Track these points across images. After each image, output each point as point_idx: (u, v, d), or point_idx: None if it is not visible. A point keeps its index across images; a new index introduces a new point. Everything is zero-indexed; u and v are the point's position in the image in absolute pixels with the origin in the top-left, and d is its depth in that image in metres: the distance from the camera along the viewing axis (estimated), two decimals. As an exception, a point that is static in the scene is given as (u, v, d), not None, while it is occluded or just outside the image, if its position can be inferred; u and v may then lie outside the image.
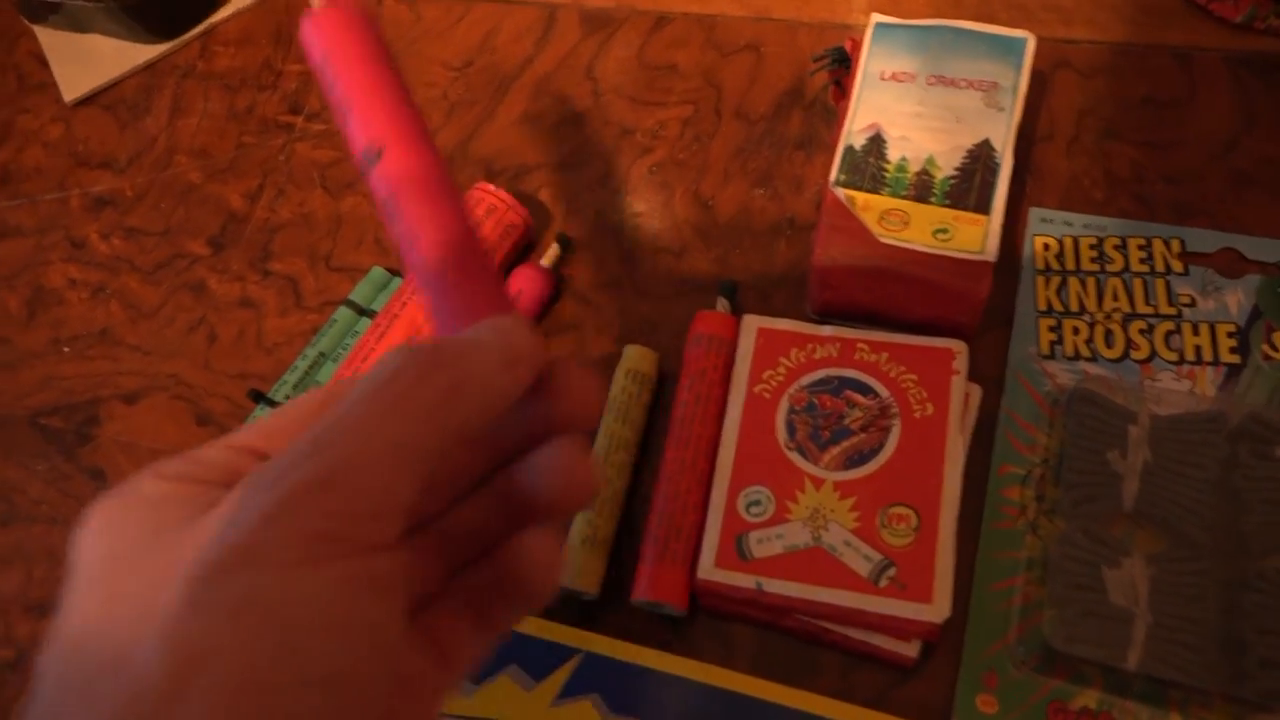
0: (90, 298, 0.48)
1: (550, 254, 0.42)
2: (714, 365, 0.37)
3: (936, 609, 0.32)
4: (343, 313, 0.43)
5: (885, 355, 0.36)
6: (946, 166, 0.37)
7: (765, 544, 0.34)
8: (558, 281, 0.43)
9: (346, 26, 0.24)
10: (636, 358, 0.39)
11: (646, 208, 0.44)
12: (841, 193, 0.37)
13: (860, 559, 0.33)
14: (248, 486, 0.18)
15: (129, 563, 0.19)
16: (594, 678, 0.34)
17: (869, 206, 0.36)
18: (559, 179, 0.46)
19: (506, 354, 0.20)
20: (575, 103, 0.48)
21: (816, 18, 0.47)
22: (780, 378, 0.37)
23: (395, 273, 0.44)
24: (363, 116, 0.23)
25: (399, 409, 0.19)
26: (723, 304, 0.40)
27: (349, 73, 0.23)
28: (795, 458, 0.35)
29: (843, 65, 0.41)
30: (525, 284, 0.41)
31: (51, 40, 0.55)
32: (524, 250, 0.44)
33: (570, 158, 0.46)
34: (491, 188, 0.42)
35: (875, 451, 0.35)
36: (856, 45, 0.40)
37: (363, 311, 0.43)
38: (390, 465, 0.18)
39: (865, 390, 0.36)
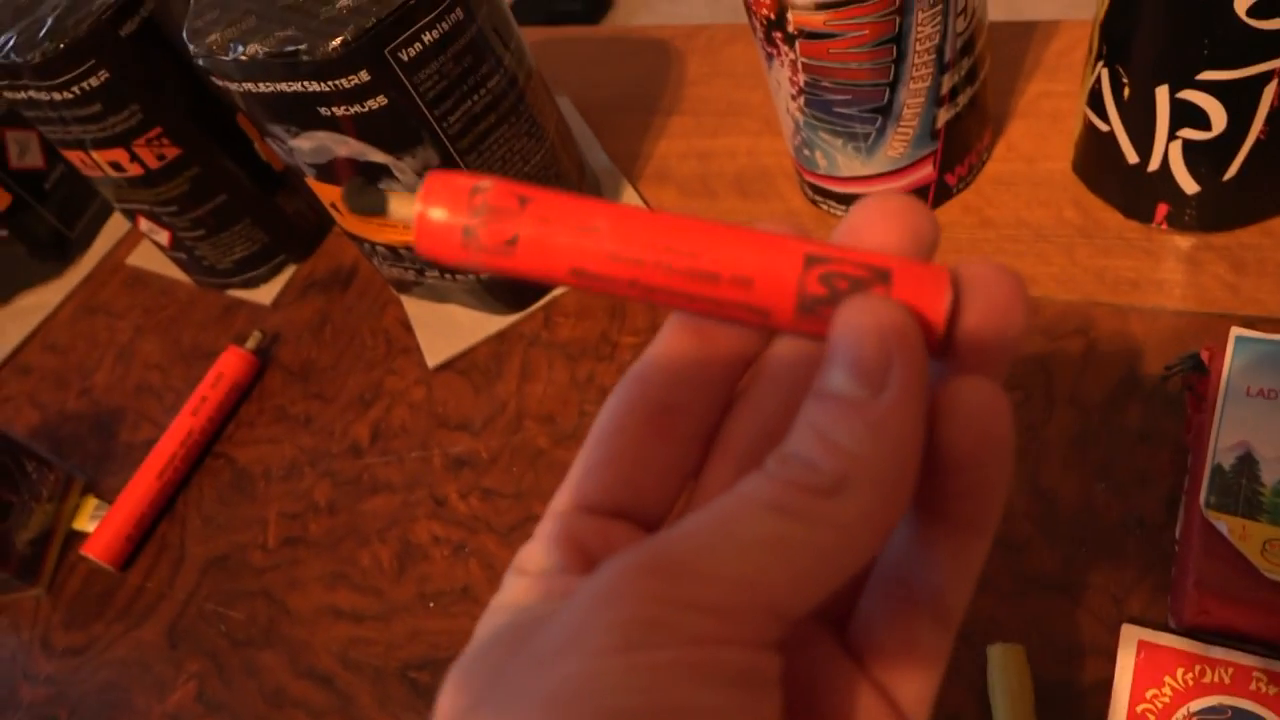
0: (451, 555, 0.53)
1: None
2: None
3: None
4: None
5: (1281, 693, 0.35)
6: (1333, 495, 0.36)
7: None
8: None
9: None
10: (1005, 658, 0.39)
11: (982, 496, 0.45)
12: (1221, 524, 0.36)
13: None
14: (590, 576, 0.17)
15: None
16: None
17: (1247, 535, 0.36)
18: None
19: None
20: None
21: (1148, 302, 0.48)
22: (1166, 698, 0.36)
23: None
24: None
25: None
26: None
27: None
28: (1189, 805, 0.34)
29: (1197, 372, 0.41)
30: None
31: (416, 309, 0.63)
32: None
33: (899, 439, 0.48)
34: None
35: (1283, 811, 0.33)
36: (1211, 353, 0.40)
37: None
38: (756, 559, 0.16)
39: (1263, 733, 0.34)
